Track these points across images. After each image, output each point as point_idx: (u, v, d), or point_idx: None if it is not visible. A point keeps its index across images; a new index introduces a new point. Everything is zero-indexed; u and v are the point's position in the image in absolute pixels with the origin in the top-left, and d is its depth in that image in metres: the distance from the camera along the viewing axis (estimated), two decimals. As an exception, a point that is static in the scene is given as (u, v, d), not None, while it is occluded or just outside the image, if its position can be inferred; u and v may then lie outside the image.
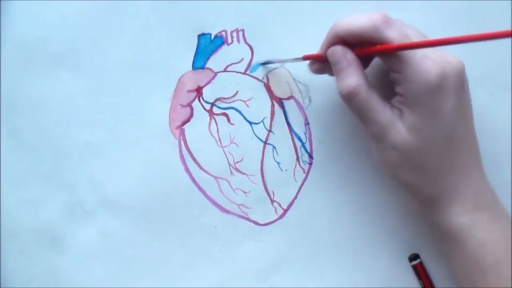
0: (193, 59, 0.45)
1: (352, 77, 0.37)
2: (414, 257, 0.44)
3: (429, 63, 0.35)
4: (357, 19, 0.36)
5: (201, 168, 0.45)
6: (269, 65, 0.44)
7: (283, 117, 0.45)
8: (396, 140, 0.36)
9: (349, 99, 0.37)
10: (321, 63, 0.40)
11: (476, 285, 0.37)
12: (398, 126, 0.36)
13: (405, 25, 0.38)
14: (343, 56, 0.37)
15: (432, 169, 0.37)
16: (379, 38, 0.36)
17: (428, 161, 0.37)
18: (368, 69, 0.40)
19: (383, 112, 0.36)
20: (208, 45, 0.45)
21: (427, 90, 0.35)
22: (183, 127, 0.45)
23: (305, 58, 0.41)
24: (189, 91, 0.45)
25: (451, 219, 0.37)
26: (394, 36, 0.35)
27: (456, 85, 0.36)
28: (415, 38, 0.36)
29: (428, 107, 0.35)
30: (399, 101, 0.37)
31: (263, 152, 0.45)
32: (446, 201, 0.37)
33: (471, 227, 0.37)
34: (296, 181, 0.45)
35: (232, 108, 0.45)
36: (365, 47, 0.37)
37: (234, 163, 0.45)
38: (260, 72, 0.45)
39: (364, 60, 0.39)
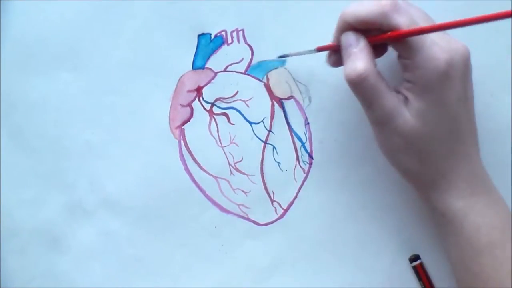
0: (193, 59, 0.45)
1: (362, 61, 0.36)
2: (414, 258, 0.44)
3: (438, 50, 0.35)
4: (365, 5, 0.36)
5: (201, 168, 0.45)
6: (284, 58, 0.44)
7: (283, 117, 0.45)
8: (402, 126, 0.37)
9: (356, 83, 0.37)
10: (337, 54, 0.39)
11: (471, 268, 0.38)
12: (404, 112, 0.37)
13: (410, 6, 0.38)
14: (356, 40, 0.37)
15: (435, 155, 0.37)
16: (388, 24, 0.36)
17: (432, 146, 0.37)
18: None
19: (389, 98, 0.37)
20: (208, 45, 0.44)
21: (435, 77, 0.35)
22: (183, 127, 0.45)
23: (318, 49, 0.40)
24: (189, 91, 0.45)
25: (448, 203, 0.38)
26: (403, 21, 0.35)
27: (462, 72, 0.36)
28: (421, 21, 0.36)
29: (435, 93, 0.36)
30: (406, 88, 0.37)
31: (263, 152, 0.45)
32: (444, 186, 0.38)
33: (467, 211, 0.37)
34: (296, 181, 0.45)
35: (232, 108, 0.45)
36: (376, 34, 0.37)
37: (234, 163, 0.45)
38: (260, 72, 0.45)
39: (377, 50, 0.39)
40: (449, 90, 0.36)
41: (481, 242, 0.37)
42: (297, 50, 0.42)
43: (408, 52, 0.36)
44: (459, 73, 0.36)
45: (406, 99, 0.37)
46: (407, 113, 0.37)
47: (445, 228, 0.39)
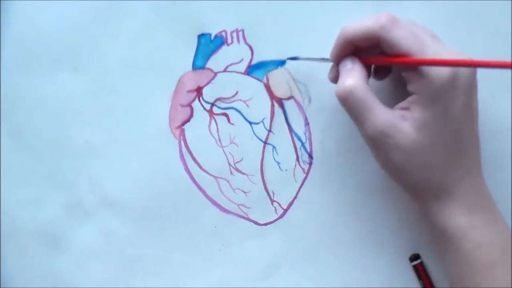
0: (193, 59, 0.45)
1: (351, 78, 0.37)
2: (414, 257, 0.44)
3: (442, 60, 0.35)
4: (363, 21, 0.37)
5: (201, 168, 0.45)
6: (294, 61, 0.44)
7: (283, 117, 0.45)
8: (402, 141, 0.36)
9: (342, 97, 0.37)
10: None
11: (469, 286, 0.37)
12: (403, 127, 0.36)
13: (414, 25, 0.38)
14: (351, 63, 0.38)
15: (437, 168, 0.37)
16: (385, 38, 0.36)
17: (434, 159, 0.37)
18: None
19: (382, 114, 0.36)
20: (208, 45, 0.45)
21: (440, 86, 0.35)
22: (183, 127, 0.45)
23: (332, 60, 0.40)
24: (189, 91, 0.45)
25: (449, 219, 0.37)
26: (402, 34, 0.35)
27: (468, 84, 0.36)
28: (425, 36, 0.36)
29: (440, 103, 0.35)
30: (410, 101, 0.37)
31: (263, 152, 0.45)
32: (446, 200, 0.37)
33: (467, 228, 0.37)
34: (296, 181, 0.45)
35: (232, 108, 0.45)
36: (377, 55, 0.38)
37: (234, 163, 0.45)
38: (260, 72, 0.45)
39: (382, 71, 0.40)
40: (453, 100, 0.35)
41: (480, 261, 0.37)
42: (304, 54, 0.42)
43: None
44: (464, 84, 0.36)
45: (406, 113, 0.36)
46: (407, 127, 0.36)
47: (444, 244, 0.38)
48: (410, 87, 0.37)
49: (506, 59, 0.42)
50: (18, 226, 0.46)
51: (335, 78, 0.39)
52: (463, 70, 0.36)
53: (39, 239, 0.46)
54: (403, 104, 0.37)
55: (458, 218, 0.37)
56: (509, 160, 0.43)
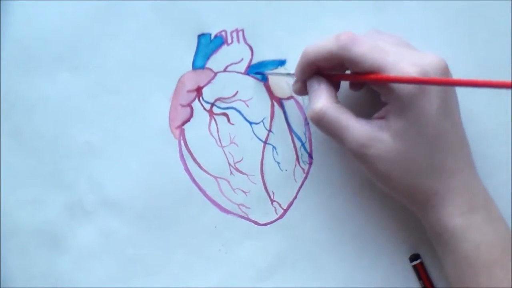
0: (193, 59, 0.45)
1: (319, 101, 0.37)
2: (414, 257, 0.44)
3: (405, 65, 0.34)
4: (324, 43, 0.37)
5: (201, 168, 0.45)
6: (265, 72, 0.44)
7: (283, 117, 0.45)
8: (382, 150, 0.36)
9: (316, 121, 0.38)
10: (303, 85, 0.40)
11: (469, 286, 0.37)
12: (382, 137, 0.36)
13: (379, 37, 0.38)
14: (317, 84, 0.38)
15: (424, 173, 0.37)
16: (347, 57, 0.36)
17: (418, 164, 0.37)
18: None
19: (358, 128, 0.37)
20: (208, 45, 0.45)
21: (408, 95, 0.35)
22: (183, 127, 0.45)
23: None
24: (189, 91, 0.45)
25: (445, 221, 0.37)
26: (363, 51, 0.35)
27: (440, 86, 0.36)
28: (390, 48, 0.36)
29: (411, 111, 0.35)
30: (386, 110, 0.37)
31: (263, 152, 0.45)
32: (439, 203, 0.37)
33: (465, 228, 0.37)
34: (296, 181, 0.45)
35: (232, 108, 0.45)
36: (340, 71, 0.38)
37: (234, 163, 0.45)
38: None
39: (356, 83, 0.41)
40: (426, 105, 0.35)
41: (480, 260, 0.37)
42: (275, 71, 0.43)
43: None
44: (435, 87, 0.35)
45: (382, 123, 0.37)
46: (385, 137, 0.36)
47: (442, 246, 0.38)
48: (382, 98, 0.37)
49: (506, 59, 0.42)
50: (18, 226, 0.46)
51: (298, 91, 0.40)
52: (431, 71, 0.35)
53: (39, 239, 0.46)
54: (380, 113, 0.38)
55: (455, 219, 0.37)
56: (509, 160, 0.43)
